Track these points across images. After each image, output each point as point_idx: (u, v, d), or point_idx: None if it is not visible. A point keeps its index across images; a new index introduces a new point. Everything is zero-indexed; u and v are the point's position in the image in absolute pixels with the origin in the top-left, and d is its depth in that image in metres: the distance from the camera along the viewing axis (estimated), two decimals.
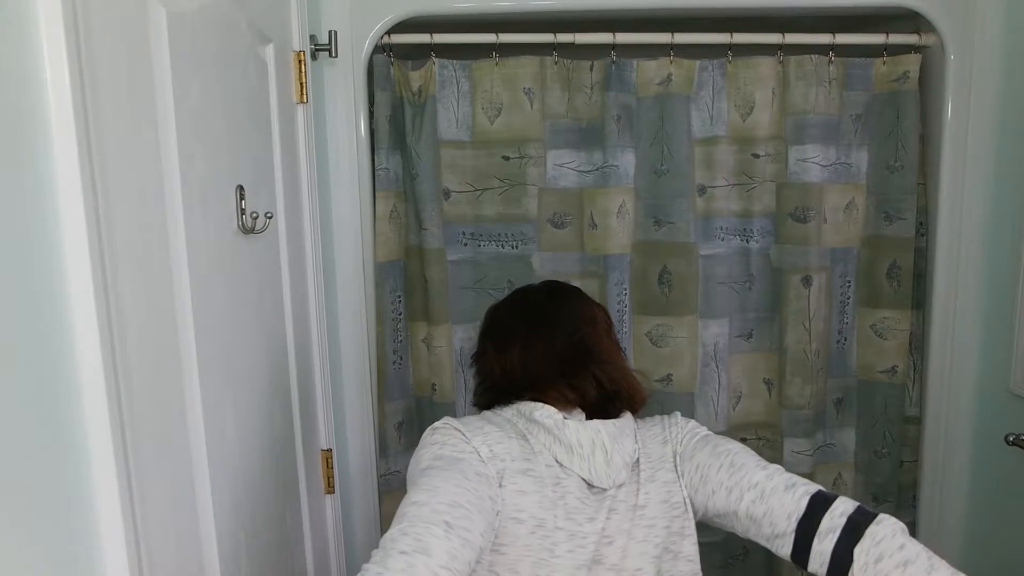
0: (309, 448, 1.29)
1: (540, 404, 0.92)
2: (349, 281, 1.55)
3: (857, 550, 0.77)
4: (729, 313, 1.67)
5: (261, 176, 1.06)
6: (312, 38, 1.36)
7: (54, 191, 0.54)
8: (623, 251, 1.61)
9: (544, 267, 1.63)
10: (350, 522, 1.60)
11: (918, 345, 1.68)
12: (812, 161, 1.60)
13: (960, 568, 0.76)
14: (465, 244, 1.63)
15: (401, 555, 0.68)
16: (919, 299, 1.67)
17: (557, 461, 0.90)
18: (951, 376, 1.62)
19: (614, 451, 0.90)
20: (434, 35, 1.50)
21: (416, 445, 0.92)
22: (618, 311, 1.62)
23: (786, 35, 1.54)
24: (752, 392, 1.71)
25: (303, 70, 1.27)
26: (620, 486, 0.91)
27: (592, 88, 1.59)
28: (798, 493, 0.84)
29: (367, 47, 1.49)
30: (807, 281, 1.63)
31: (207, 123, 0.84)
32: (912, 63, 1.58)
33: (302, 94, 1.27)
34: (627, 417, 0.96)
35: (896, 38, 1.57)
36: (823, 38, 1.55)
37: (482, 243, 1.63)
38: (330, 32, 1.43)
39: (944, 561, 0.76)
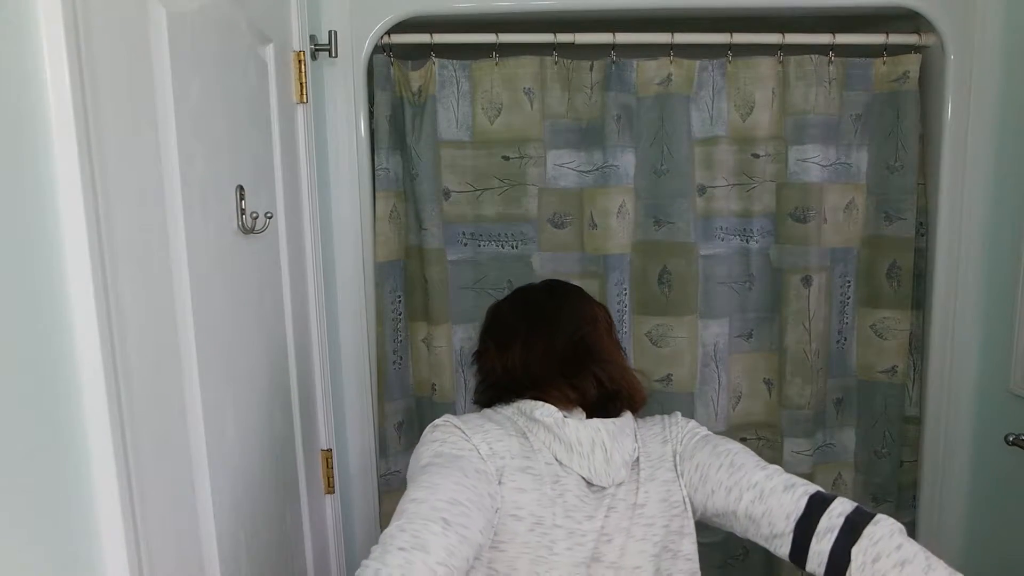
0: (309, 448, 1.29)
1: (541, 403, 0.93)
2: (349, 281, 1.55)
3: (855, 550, 0.78)
4: (729, 313, 1.67)
5: (261, 176, 1.06)
6: (312, 38, 1.36)
7: (54, 191, 0.54)
8: (623, 251, 1.61)
9: (544, 267, 1.63)
10: (350, 522, 1.60)
11: (918, 345, 1.68)
12: (812, 161, 1.60)
13: (960, 568, 0.76)
14: (465, 244, 1.63)
15: (399, 551, 0.69)
16: (919, 299, 1.67)
17: (557, 459, 0.90)
18: (951, 376, 1.62)
19: (613, 450, 0.90)
20: (434, 35, 1.50)
21: (416, 445, 0.92)
22: (618, 311, 1.62)
23: (786, 35, 1.54)
24: (752, 392, 1.71)
25: (303, 70, 1.27)
26: (620, 485, 0.91)
27: (592, 88, 1.59)
28: (797, 494, 0.84)
29: (367, 47, 1.49)
30: (807, 281, 1.63)
31: (207, 123, 0.84)
32: (912, 63, 1.58)
33: (302, 94, 1.27)
34: (627, 416, 0.97)
35: (896, 38, 1.57)
36: (823, 38, 1.55)
37: (482, 243, 1.63)
38: (330, 32, 1.43)
39: (942, 561, 0.76)
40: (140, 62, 0.69)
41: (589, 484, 0.90)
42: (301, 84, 1.27)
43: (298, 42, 1.27)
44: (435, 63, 1.53)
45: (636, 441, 0.95)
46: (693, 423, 1.00)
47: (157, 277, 0.70)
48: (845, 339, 1.71)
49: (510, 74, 1.56)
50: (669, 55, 1.55)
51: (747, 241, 1.64)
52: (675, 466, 0.94)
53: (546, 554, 0.85)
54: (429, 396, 1.63)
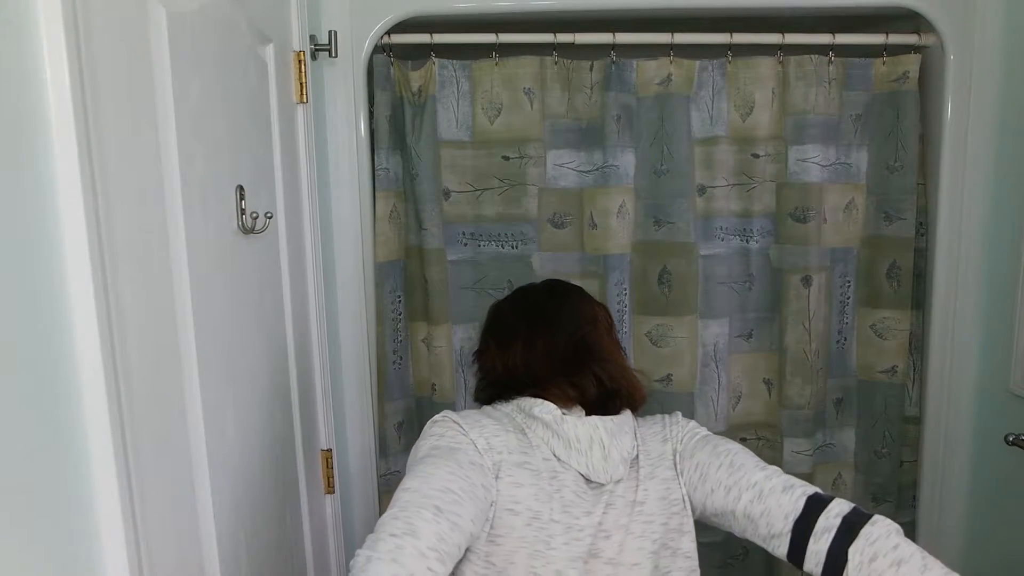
0: (309, 448, 1.29)
1: (540, 400, 0.94)
2: (349, 281, 1.55)
3: (852, 550, 0.78)
4: (729, 313, 1.67)
5: (261, 176, 1.06)
6: (312, 38, 1.36)
7: (54, 191, 0.54)
8: (623, 251, 1.61)
9: (544, 267, 1.63)
10: (350, 522, 1.60)
11: (918, 345, 1.68)
12: (812, 161, 1.60)
13: (960, 568, 0.76)
14: (465, 244, 1.63)
15: (391, 537, 0.72)
16: (919, 299, 1.67)
17: (555, 455, 0.91)
18: (951, 376, 1.62)
19: (612, 447, 0.91)
20: (434, 35, 1.50)
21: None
22: (618, 311, 1.62)
23: (786, 35, 1.54)
24: (752, 392, 1.71)
25: (303, 70, 1.27)
26: (618, 482, 0.92)
27: (592, 88, 1.59)
28: (795, 494, 0.85)
29: (367, 47, 1.49)
30: (807, 281, 1.63)
31: (207, 123, 0.84)
32: (912, 63, 1.58)
33: (302, 94, 1.27)
34: (626, 414, 0.97)
35: (896, 38, 1.57)
36: (823, 38, 1.55)
37: (482, 243, 1.63)
38: (330, 32, 1.43)
39: (939, 561, 0.76)
40: (140, 62, 0.69)
41: (587, 480, 0.91)
42: (301, 84, 1.27)
43: (298, 42, 1.27)
44: (435, 63, 1.53)
45: (635, 439, 0.96)
46: (693, 423, 1.00)
47: (157, 277, 0.70)
48: (845, 339, 1.71)
49: (510, 74, 1.56)
50: (669, 55, 1.55)
51: (747, 241, 1.65)
52: (675, 465, 0.94)
53: (543, 548, 0.86)
54: (429, 396, 1.63)
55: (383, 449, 1.64)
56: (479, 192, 1.60)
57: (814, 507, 0.83)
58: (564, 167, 1.61)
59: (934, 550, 0.78)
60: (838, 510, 0.82)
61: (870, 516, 0.81)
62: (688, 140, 1.59)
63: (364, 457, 1.60)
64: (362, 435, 1.60)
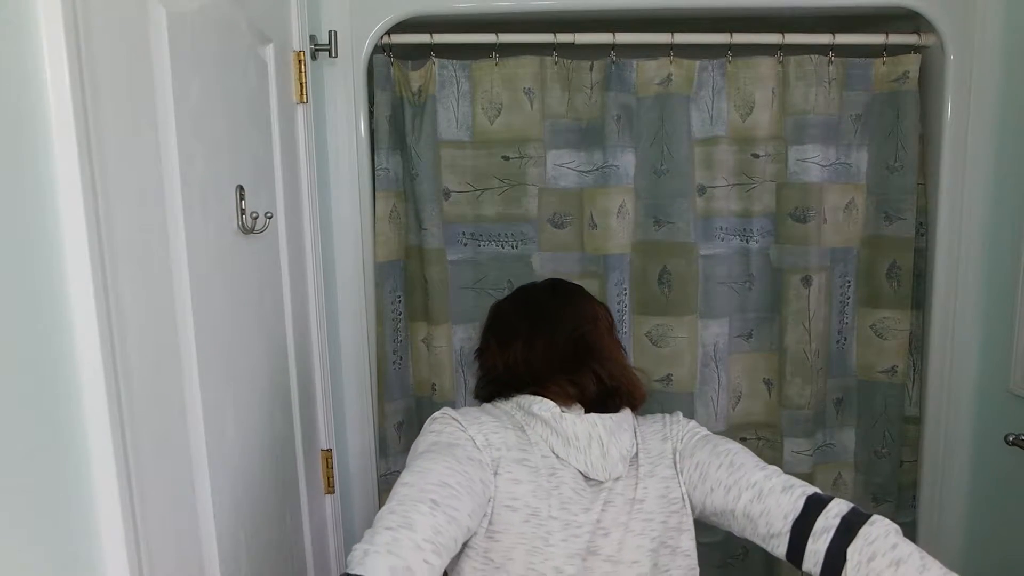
0: (309, 448, 1.29)
1: (539, 398, 0.94)
2: (349, 281, 1.55)
3: (850, 549, 0.78)
4: (729, 313, 1.67)
5: (261, 176, 1.06)
6: (312, 38, 1.36)
7: (54, 191, 0.54)
8: (623, 251, 1.61)
9: (544, 267, 1.63)
10: (350, 522, 1.60)
11: (918, 345, 1.68)
12: (812, 161, 1.60)
13: (960, 568, 0.76)
14: (465, 244, 1.63)
15: (387, 531, 0.73)
16: (919, 299, 1.67)
17: (554, 453, 0.92)
18: (951, 376, 1.62)
19: (610, 444, 0.92)
20: (434, 35, 1.50)
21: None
22: (618, 311, 1.62)
23: (786, 35, 1.54)
24: (752, 392, 1.71)
25: (303, 70, 1.27)
26: (617, 479, 0.92)
27: (592, 88, 1.59)
28: (795, 494, 0.85)
29: (367, 47, 1.49)
30: (807, 281, 1.63)
31: (207, 123, 0.84)
32: (912, 63, 1.58)
33: (302, 94, 1.27)
34: (626, 412, 0.98)
35: (896, 38, 1.57)
36: (823, 38, 1.55)
37: (482, 243, 1.63)
38: (330, 32, 1.43)
39: (937, 561, 0.76)
40: (140, 62, 0.69)
41: (586, 478, 0.91)
42: (301, 84, 1.27)
43: (298, 42, 1.27)
44: (435, 63, 1.53)
45: (635, 437, 0.96)
46: (693, 423, 1.01)
47: (157, 277, 0.70)
48: (845, 339, 1.71)
49: (510, 74, 1.56)
50: (669, 55, 1.55)
51: (747, 241, 1.65)
52: (674, 463, 0.95)
53: (541, 545, 0.87)
54: (429, 396, 1.63)
55: (383, 449, 1.64)
56: (479, 192, 1.60)
57: (813, 507, 0.83)
58: (564, 167, 1.61)
59: (934, 550, 0.78)
60: (837, 510, 0.82)
61: (869, 516, 0.81)
62: (688, 140, 1.59)
63: (364, 457, 1.60)
64: (362, 435, 1.60)
